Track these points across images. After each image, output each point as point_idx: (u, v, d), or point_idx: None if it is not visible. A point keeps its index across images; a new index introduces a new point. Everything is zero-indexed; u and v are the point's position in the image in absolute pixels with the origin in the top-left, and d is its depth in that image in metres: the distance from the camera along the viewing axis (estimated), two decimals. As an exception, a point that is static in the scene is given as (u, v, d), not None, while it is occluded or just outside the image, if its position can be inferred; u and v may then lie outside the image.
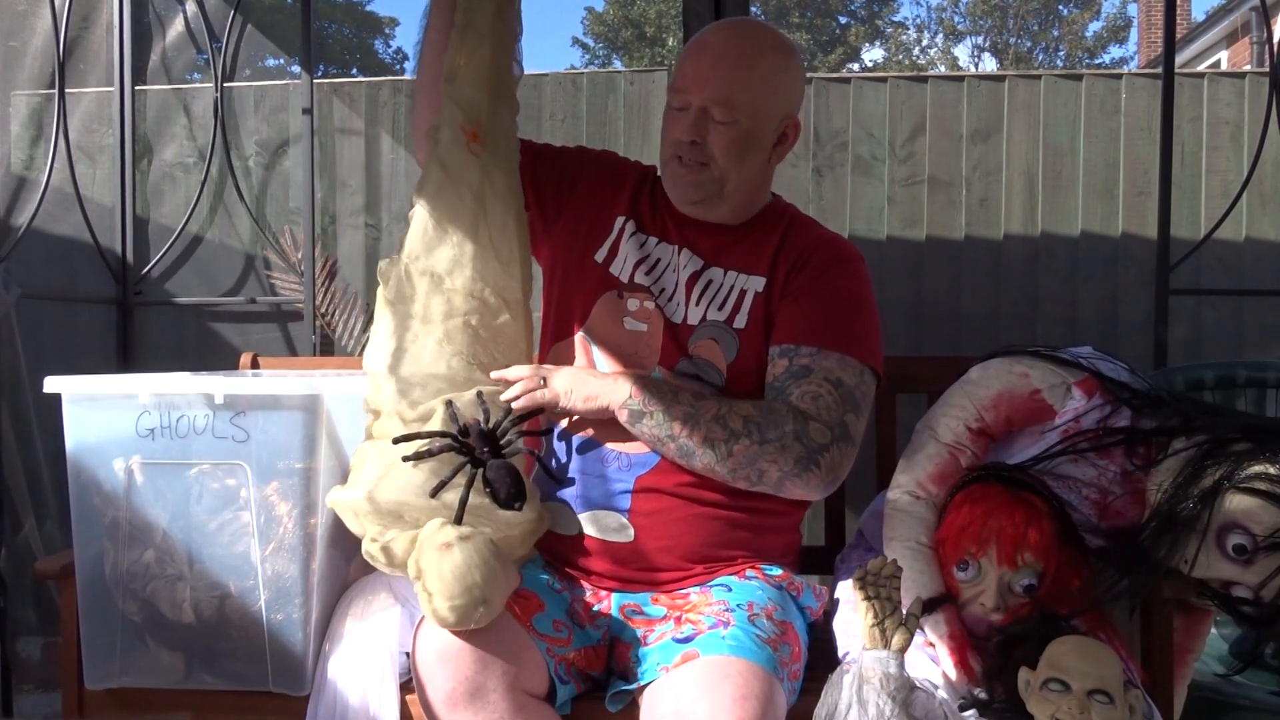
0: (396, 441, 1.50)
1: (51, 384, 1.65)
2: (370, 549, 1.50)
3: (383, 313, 1.60)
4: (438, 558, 1.40)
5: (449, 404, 1.53)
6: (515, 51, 1.68)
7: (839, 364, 1.58)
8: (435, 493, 1.47)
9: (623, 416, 1.56)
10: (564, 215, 1.75)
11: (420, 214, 1.61)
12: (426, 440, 1.50)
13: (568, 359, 1.69)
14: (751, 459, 1.53)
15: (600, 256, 1.71)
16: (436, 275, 1.59)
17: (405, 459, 1.48)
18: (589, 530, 1.61)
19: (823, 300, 1.62)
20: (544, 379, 1.60)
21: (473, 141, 1.61)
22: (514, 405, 1.59)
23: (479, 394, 1.57)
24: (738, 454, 1.53)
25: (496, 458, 1.54)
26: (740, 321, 1.63)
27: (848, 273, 1.66)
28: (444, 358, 1.58)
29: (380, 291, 1.61)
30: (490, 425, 1.55)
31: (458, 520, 1.47)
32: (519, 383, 1.60)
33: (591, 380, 1.60)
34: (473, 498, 1.49)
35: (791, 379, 1.57)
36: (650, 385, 1.57)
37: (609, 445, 1.62)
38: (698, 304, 1.65)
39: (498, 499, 1.52)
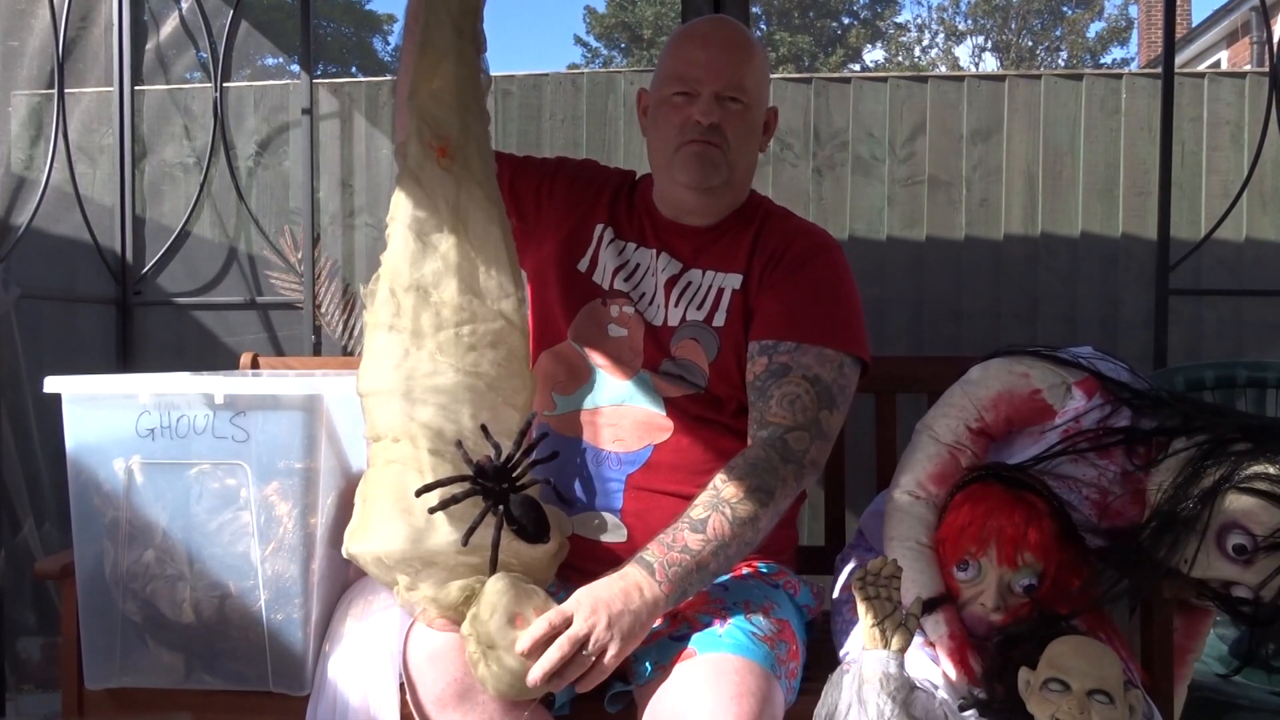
0: (419, 493, 1.45)
1: (51, 384, 1.65)
2: (409, 598, 1.48)
3: (373, 333, 1.55)
4: (512, 646, 1.39)
5: (459, 445, 1.48)
6: (480, 63, 1.64)
7: (817, 359, 1.57)
8: (466, 540, 1.44)
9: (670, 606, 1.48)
10: (544, 224, 1.75)
11: (399, 230, 1.57)
12: (449, 486, 1.46)
13: (562, 365, 1.69)
14: (772, 515, 1.52)
15: (583, 266, 1.71)
16: (423, 289, 1.55)
17: (431, 511, 1.44)
18: (582, 531, 1.61)
19: (800, 293, 1.62)
20: (584, 642, 1.38)
21: (442, 157, 1.57)
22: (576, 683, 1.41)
23: (483, 428, 1.51)
24: (763, 526, 1.51)
25: (515, 492, 1.49)
26: (719, 320, 1.64)
27: (823, 263, 1.66)
28: (441, 371, 1.53)
29: (366, 314, 1.57)
30: (503, 460, 1.50)
31: (492, 567, 1.45)
32: (555, 656, 1.37)
33: (626, 616, 1.39)
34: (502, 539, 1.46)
35: (772, 378, 1.57)
36: (678, 580, 1.44)
37: (598, 445, 1.62)
38: (677, 305, 1.66)
39: (526, 535, 1.49)
